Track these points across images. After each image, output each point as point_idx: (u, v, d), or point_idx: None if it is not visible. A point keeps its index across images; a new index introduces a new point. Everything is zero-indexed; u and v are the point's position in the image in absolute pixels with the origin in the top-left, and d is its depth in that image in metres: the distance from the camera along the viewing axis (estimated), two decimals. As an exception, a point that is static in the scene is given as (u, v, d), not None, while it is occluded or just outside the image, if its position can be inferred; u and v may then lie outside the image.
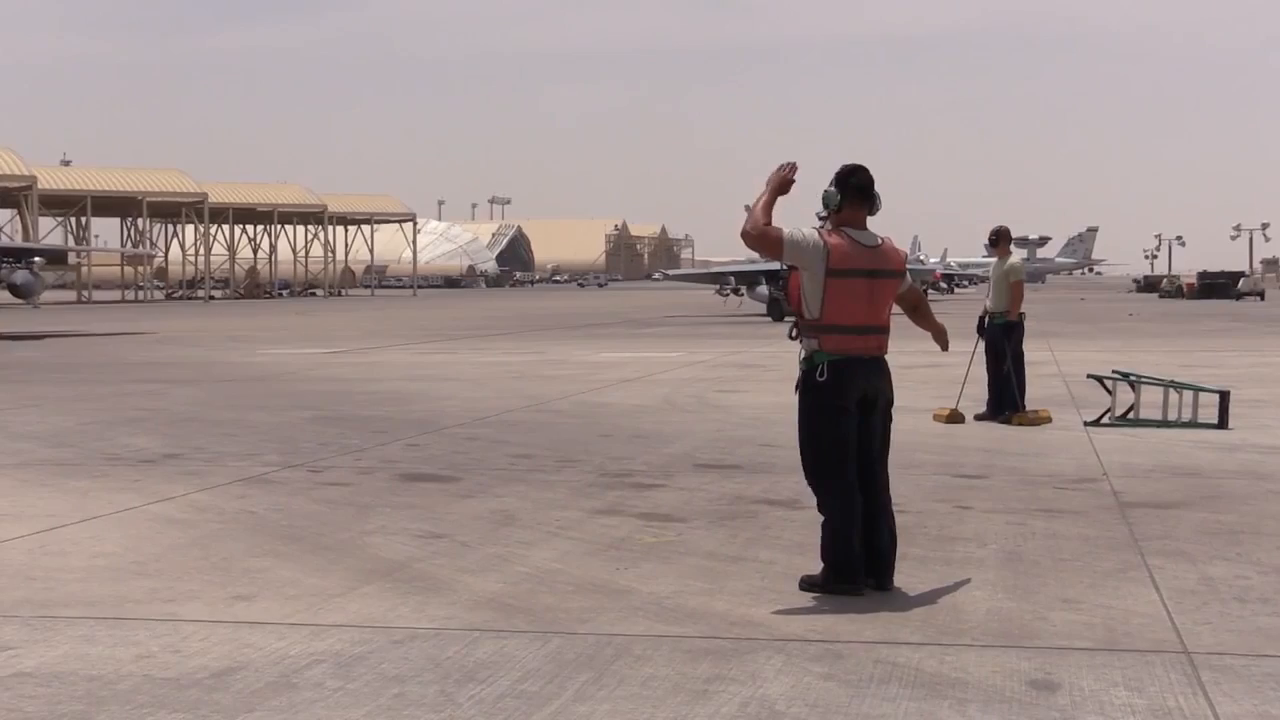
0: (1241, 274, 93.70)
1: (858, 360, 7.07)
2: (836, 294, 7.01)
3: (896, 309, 7.49)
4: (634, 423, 15.08)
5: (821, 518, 7.22)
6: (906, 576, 7.44)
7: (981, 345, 15.71)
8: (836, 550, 7.09)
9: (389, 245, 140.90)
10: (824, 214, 7.19)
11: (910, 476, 11.09)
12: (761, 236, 7.03)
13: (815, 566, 7.70)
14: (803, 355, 7.15)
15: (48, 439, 13.94)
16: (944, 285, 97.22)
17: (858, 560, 7.08)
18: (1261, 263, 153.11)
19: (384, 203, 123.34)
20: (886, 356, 7.26)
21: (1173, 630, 6.35)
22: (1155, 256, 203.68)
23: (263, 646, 6.14)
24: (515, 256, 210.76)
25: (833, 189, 7.14)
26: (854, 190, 7.14)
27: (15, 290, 42.46)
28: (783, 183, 7.16)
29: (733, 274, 58.61)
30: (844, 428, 7.07)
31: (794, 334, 7.27)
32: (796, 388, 7.23)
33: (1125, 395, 14.92)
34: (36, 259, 44.30)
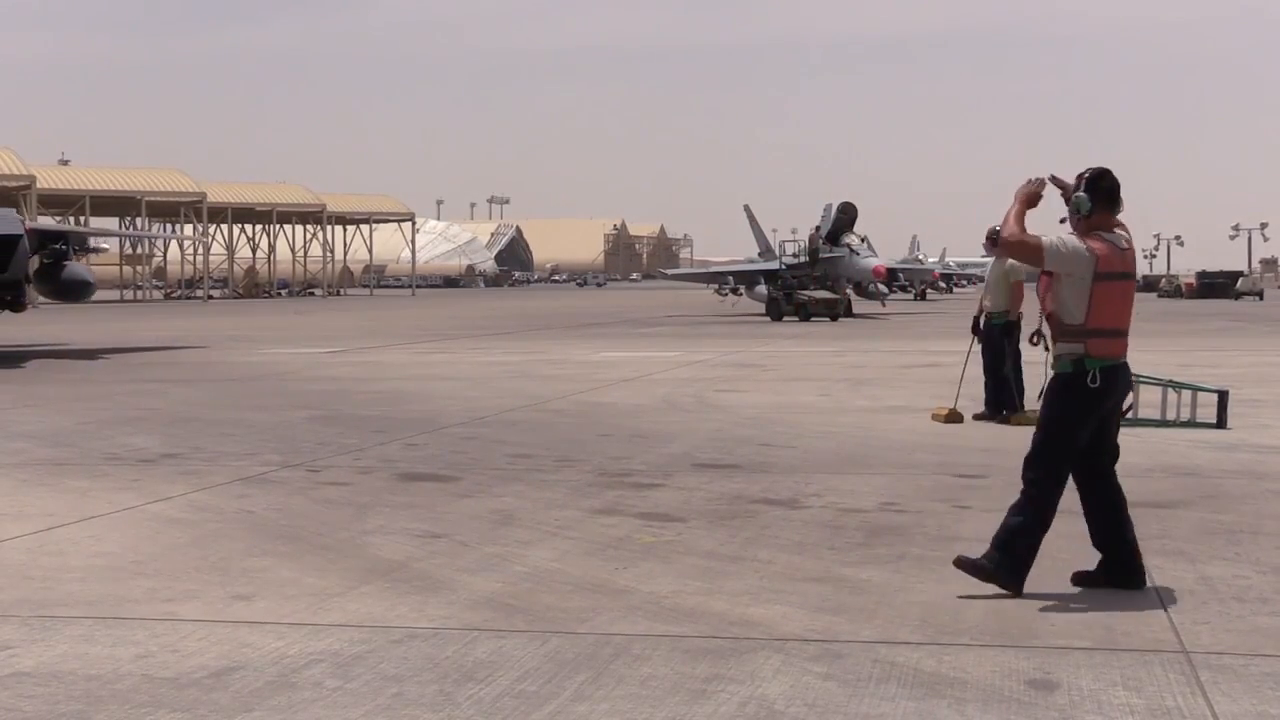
0: (1240, 274, 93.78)
1: (1123, 366, 7.17)
2: (1104, 298, 7.03)
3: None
4: (633, 422, 15.08)
5: (1017, 513, 7.15)
6: (905, 576, 7.45)
7: (978, 345, 15.72)
8: (1022, 545, 7.06)
9: (388, 245, 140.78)
10: (1070, 219, 7.17)
11: (909, 476, 11.11)
12: (1021, 244, 7.11)
13: (815, 565, 7.72)
14: (1057, 358, 7.14)
15: (47, 438, 13.94)
16: (943, 285, 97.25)
17: (1031, 561, 7.09)
18: (1260, 262, 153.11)
19: (383, 202, 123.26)
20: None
21: (1171, 630, 6.36)
22: (1154, 256, 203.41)
23: (261, 646, 6.14)
24: (514, 256, 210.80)
25: (1084, 194, 7.12)
26: (1104, 194, 7.15)
27: (68, 289, 31.83)
28: (1032, 197, 7.22)
29: (731, 274, 58.77)
30: (1086, 434, 7.15)
31: (1035, 340, 7.32)
32: (1049, 392, 7.17)
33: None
34: (103, 245, 37.60)
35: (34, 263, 29.44)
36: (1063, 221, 7.23)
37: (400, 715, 5.22)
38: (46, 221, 58.04)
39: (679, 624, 6.48)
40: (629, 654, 5.97)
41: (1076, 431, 7.13)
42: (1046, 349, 7.32)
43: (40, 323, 29.81)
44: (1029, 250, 7.10)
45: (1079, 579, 7.24)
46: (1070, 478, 7.29)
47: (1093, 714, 5.20)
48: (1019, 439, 13.64)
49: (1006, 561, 7.03)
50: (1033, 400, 15.50)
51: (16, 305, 28.91)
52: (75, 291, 32.13)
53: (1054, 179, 7.31)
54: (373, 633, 6.35)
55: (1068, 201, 7.25)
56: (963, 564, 7.11)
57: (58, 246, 30.98)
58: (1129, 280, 7.23)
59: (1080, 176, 7.19)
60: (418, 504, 9.85)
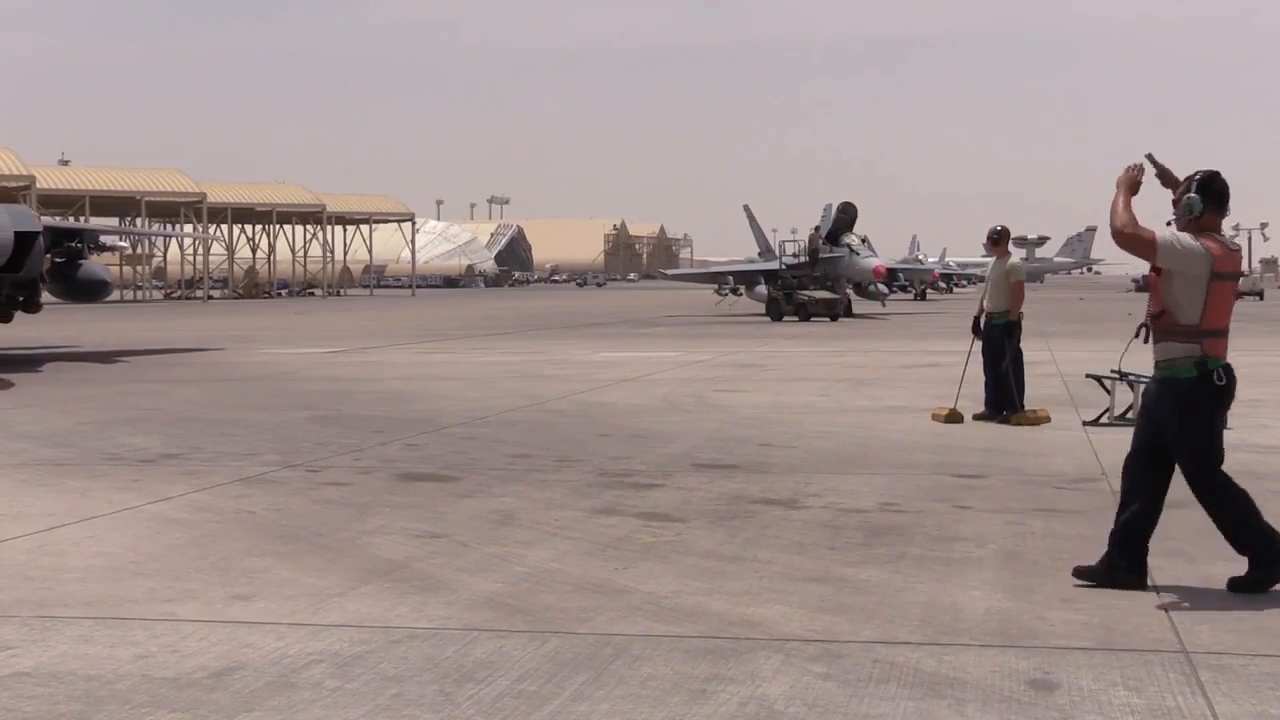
0: (1239, 274, 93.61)
1: (1230, 366, 7.19)
2: (1218, 298, 7.06)
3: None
4: (633, 422, 15.08)
5: (1229, 530, 7.24)
6: (905, 576, 7.45)
7: (978, 345, 15.72)
8: (1270, 542, 7.12)
9: (388, 245, 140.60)
10: (1178, 220, 7.17)
11: (909, 476, 11.11)
12: (1134, 237, 7.07)
13: (815, 565, 7.72)
14: (1169, 361, 7.12)
15: (46, 438, 13.94)
16: (943, 285, 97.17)
17: None
18: (1260, 262, 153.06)
19: (383, 202, 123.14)
20: None
21: (1171, 630, 6.36)
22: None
23: (261, 646, 6.14)
24: (514, 256, 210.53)
25: (1195, 195, 7.12)
26: (1215, 196, 7.16)
27: (84, 289, 30.37)
28: (1134, 183, 7.21)
29: (731, 274, 58.79)
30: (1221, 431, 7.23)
31: (1146, 337, 7.32)
32: (1184, 404, 7.12)
33: (1124, 395, 14.92)
34: (121, 243, 35.09)
35: (45, 262, 28.15)
36: (1169, 223, 7.20)
37: (400, 715, 5.22)
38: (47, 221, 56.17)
39: (679, 624, 6.48)
40: (629, 654, 5.97)
41: (1216, 428, 7.20)
42: (1146, 339, 7.31)
43: (40, 324, 29.33)
44: (1142, 244, 7.05)
45: (1081, 573, 7.24)
46: (1128, 466, 7.42)
47: (1093, 714, 5.20)
48: (1019, 439, 13.74)
49: (1269, 559, 7.08)
50: (1032, 400, 15.57)
51: (30, 305, 27.29)
52: (92, 291, 30.74)
53: (1150, 157, 7.30)
54: (373, 633, 6.35)
55: (1164, 182, 7.27)
56: (1238, 587, 7.10)
57: (73, 245, 29.56)
58: (1237, 281, 7.29)
59: (1190, 179, 7.20)
60: (418, 504, 9.85)
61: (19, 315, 27.77)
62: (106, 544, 8.45)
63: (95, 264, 30.94)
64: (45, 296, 28.41)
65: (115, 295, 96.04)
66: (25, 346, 30.63)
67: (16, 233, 24.85)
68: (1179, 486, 10.48)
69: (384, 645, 6.15)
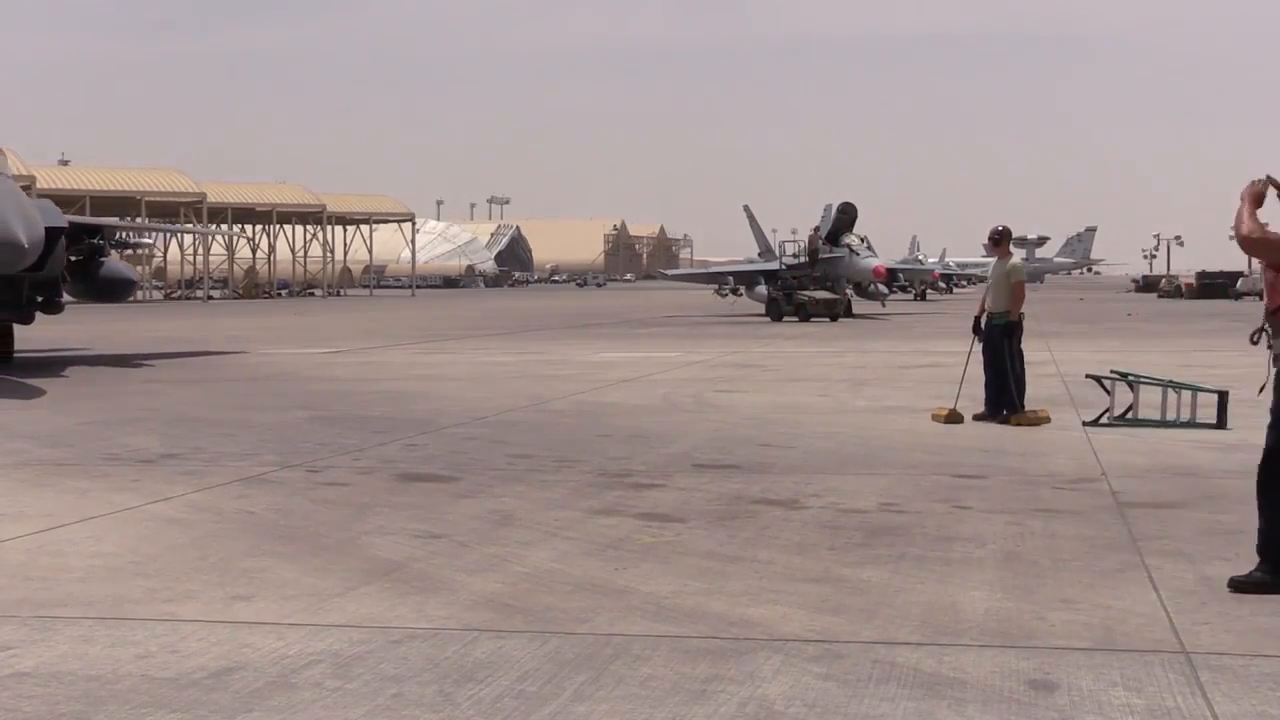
0: (1240, 274, 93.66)
1: None
2: None
3: None
4: (633, 422, 15.08)
5: (1271, 508, 7.30)
6: (905, 576, 7.45)
7: (979, 345, 15.73)
8: None
9: (387, 245, 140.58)
10: None
11: (909, 476, 11.11)
12: (1262, 241, 7.27)
13: (815, 565, 7.72)
14: None
15: (46, 439, 13.93)
16: (943, 285, 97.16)
17: None
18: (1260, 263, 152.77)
19: (382, 202, 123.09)
20: None
21: (1171, 630, 6.36)
22: (1154, 256, 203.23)
23: (261, 646, 6.14)
24: (514, 256, 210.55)
25: None
26: None
27: (107, 289, 28.62)
28: (1258, 196, 7.36)
29: (731, 274, 58.82)
30: None
31: (1257, 338, 7.46)
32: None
33: (1124, 395, 14.93)
34: (144, 239, 32.73)
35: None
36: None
37: (400, 715, 5.22)
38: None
39: (679, 624, 6.48)
40: (629, 654, 5.97)
41: None
42: (1270, 346, 7.40)
43: (41, 325, 29.05)
44: (1272, 246, 7.27)
45: (1236, 586, 7.18)
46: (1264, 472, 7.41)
47: (1093, 714, 5.20)
48: (1019, 440, 13.74)
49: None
50: (1033, 400, 15.57)
51: (51, 306, 25.75)
52: (116, 291, 29.02)
53: (1272, 179, 7.43)
54: (372, 633, 6.35)
55: None
56: (1241, 585, 7.08)
57: (94, 241, 27.79)
58: None
59: None
60: (418, 504, 9.85)
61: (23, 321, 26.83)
62: (106, 544, 8.45)
63: (118, 262, 29.57)
64: (64, 296, 27.11)
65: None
66: (36, 349, 30.42)
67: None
68: (1181, 487, 10.52)
69: (384, 645, 6.15)
